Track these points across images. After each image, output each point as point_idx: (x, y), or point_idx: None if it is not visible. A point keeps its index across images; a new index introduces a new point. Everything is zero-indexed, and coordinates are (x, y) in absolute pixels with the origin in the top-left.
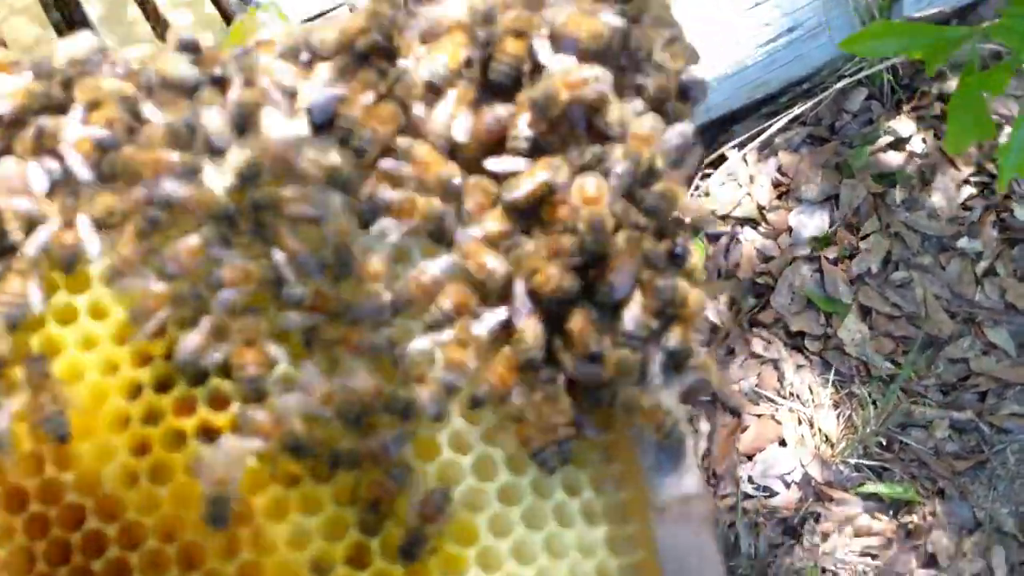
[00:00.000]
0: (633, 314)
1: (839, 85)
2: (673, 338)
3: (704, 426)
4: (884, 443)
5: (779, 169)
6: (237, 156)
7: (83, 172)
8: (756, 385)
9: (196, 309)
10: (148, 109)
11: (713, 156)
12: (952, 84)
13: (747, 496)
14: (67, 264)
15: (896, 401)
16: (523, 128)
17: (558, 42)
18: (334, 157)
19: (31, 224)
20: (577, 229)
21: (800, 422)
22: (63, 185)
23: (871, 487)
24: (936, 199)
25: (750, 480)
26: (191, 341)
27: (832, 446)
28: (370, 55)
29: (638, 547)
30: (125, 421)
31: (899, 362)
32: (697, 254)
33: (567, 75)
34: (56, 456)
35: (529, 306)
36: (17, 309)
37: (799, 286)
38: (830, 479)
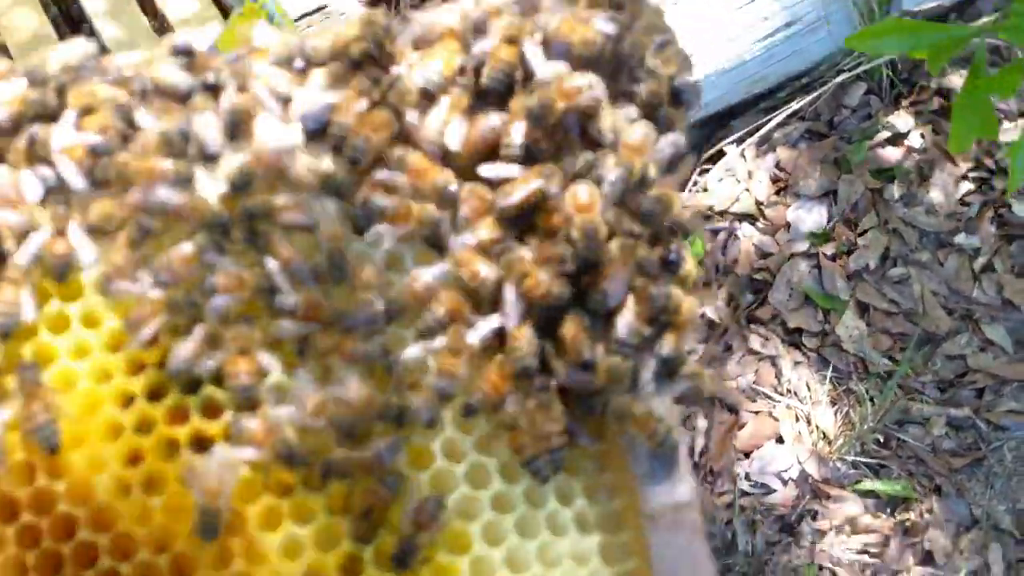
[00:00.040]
0: (626, 321)
1: (838, 80)
2: (666, 345)
3: (701, 423)
4: (881, 440)
5: (777, 164)
6: (230, 163)
7: (75, 179)
8: (753, 382)
9: (190, 317)
10: (141, 116)
11: (711, 151)
12: (952, 79)
13: (744, 493)
14: (59, 272)
15: (893, 398)
16: (517, 135)
17: (550, 48)
18: (328, 164)
19: (23, 233)
20: (570, 236)
21: (797, 419)
22: (56, 192)
23: (868, 484)
24: (934, 195)
25: (747, 477)
26: (184, 349)
27: (829, 443)
28: (364, 62)
29: (631, 555)
30: (118, 430)
31: (896, 359)
32: (691, 261)
33: (562, 83)
34: (48, 465)
35: (519, 310)
36: (9, 318)
37: (797, 282)
38: (827, 476)
